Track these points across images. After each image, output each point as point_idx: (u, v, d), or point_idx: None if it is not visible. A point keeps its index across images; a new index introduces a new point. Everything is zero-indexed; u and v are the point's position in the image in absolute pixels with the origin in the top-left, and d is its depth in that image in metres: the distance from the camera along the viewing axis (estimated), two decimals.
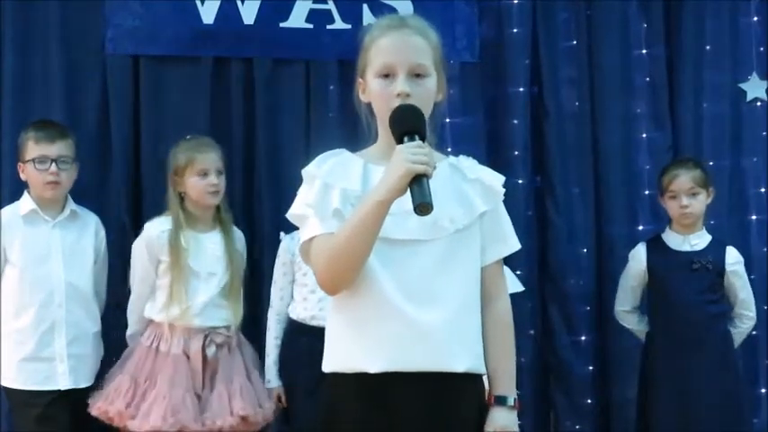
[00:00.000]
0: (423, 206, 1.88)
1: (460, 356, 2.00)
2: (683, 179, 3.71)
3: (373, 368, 1.97)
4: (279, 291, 3.49)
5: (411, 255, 2.00)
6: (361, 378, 1.98)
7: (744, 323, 3.75)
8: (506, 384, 2.08)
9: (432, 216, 1.95)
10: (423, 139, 1.96)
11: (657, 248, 3.78)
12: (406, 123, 1.98)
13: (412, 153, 1.90)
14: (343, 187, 2.02)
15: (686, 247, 3.73)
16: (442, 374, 1.99)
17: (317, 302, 3.37)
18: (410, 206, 1.91)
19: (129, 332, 3.47)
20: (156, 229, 3.41)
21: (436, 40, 2.11)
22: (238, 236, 3.55)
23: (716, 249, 3.73)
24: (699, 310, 3.65)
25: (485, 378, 2.10)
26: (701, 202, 3.73)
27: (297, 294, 3.46)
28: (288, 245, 3.49)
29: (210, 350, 3.34)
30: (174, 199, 3.43)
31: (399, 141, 1.97)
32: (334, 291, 2.02)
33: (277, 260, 3.50)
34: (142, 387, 3.30)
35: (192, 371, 3.31)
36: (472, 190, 2.08)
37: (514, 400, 2.08)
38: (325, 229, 1.99)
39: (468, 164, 2.13)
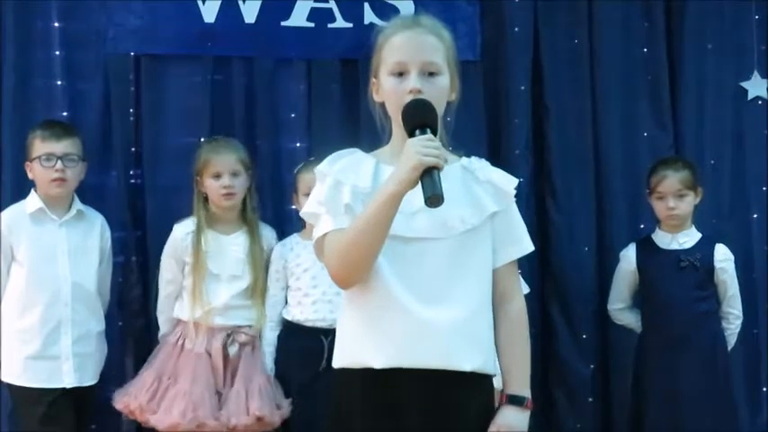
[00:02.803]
0: (434, 198, 1.89)
1: (468, 356, 2.01)
2: (671, 181, 3.70)
3: (378, 363, 1.98)
4: (271, 298, 3.48)
5: (420, 253, 2.01)
6: (367, 374, 1.99)
7: (731, 323, 3.73)
8: (519, 384, 2.08)
9: (442, 215, 1.97)
10: (434, 133, 1.97)
11: (647, 248, 3.78)
12: (418, 117, 1.99)
13: (423, 146, 1.91)
14: (353, 184, 2.03)
15: (674, 246, 3.73)
16: (448, 373, 1.99)
17: (311, 305, 3.40)
18: (420, 204, 1.93)
19: (160, 333, 3.52)
20: (181, 231, 3.44)
21: (449, 40, 2.12)
22: (267, 234, 3.55)
23: (705, 247, 3.72)
24: (687, 308, 3.64)
25: (496, 380, 2.10)
26: (688, 204, 3.72)
27: (291, 299, 3.46)
28: (280, 252, 3.49)
29: (233, 348, 3.37)
30: (198, 200, 3.46)
31: (411, 135, 1.97)
32: (347, 285, 2.04)
33: (270, 268, 3.50)
34: (165, 383, 3.33)
35: (213, 368, 3.34)
36: (483, 191, 2.09)
37: (527, 400, 2.08)
38: (336, 224, 2.00)
39: (479, 165, 2.13)
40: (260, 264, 3.45)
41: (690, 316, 3.64)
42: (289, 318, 3.45)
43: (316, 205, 2.05)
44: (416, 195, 1.92)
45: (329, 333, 3.31)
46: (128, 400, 3.33)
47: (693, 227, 3.77)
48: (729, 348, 3.73)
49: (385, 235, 1.95)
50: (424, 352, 1.98)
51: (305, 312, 3.41)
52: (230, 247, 3.44)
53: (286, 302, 3.48)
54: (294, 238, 3.53)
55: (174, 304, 3.46)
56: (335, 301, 3.34)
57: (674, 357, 3.62)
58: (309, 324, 3.39)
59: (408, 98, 2.02)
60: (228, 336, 3.37)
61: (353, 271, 1.99)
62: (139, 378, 3.39)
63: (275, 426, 3.37)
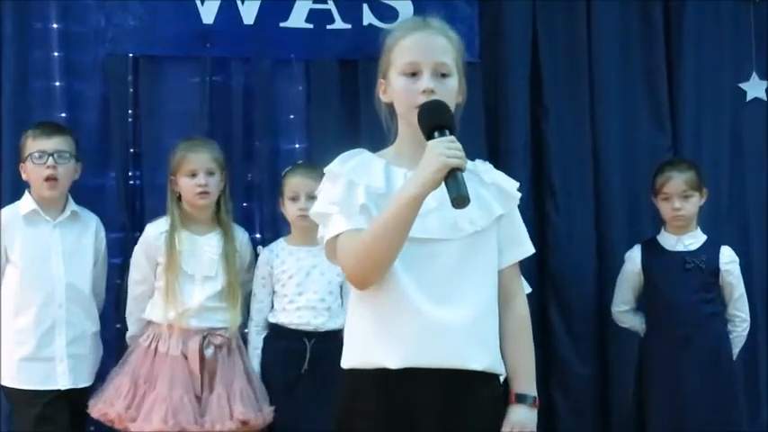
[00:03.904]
0: (460, 199, 1.89)
1: (479, 355, 2.02)
2: (676, 182, 3.70)
3: (393, 364, 1.98)
4: (258, 303, 3.47)
5: (430, 254, 2.02)
6: (380, 374, 2.00)
7: (737, 326, 3.74)
8: (526, 382, 2.11)
9: (452, 217, 1.99)
10: (453, 133, 1.97)
11: (652, 249, 3.78)
12: (436, 118, 1.99)
13: (446, 147, 1.92)
14: (367, 184, 2.03)
15: (680, 248, 3.73)
16: (459, 372, 2.00)
17: (296, 311, 3.40)
18: (432, 206, 1.96)
19: (128, 334, 3.47)
20: (154, 231, 3.41)
21: (458, 42, 2.13)
22: (240, 235, 3.53)
23: (710, 249, 3.72)
24: (692, 310, 3.65)
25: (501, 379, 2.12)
26: (693, 205, 3.72)
27: (277, 304, 3.45)
28: (266, 258, 3.48)
29: (208, 351, 3.33)
30: (171, 200, 3.43)
31: (429, 136, 1.97)
32: (364, 286, 2.03)
33: (256, 272, 3.49)
34: (142, 388, 3.29)
35: (190, 372, 3.30)
36: (489, 194, 2.10)
37: (534, 398, 2.11)
38: (351, 225, 2.00)
39: (484, 168, 2.15)
40: (233, 266, 3.42)
41: (694, 318, 3.65)
42: (274, 321, 3.45)
43: (327, 205, 2.05)
44: (429, 196, 1.93)
45: (312, 336, 3.36)
46: (104, 408, 3.27)
47: (699, 228, 3.78)
48: (736, 352, 3.74)
49: (405, 236, 1.95)
50: (437, 352, 1.99)
51: (289, 317, 3.41)
52: (204, 248, 3.41)
53: (272, 306, 3.47)
54: (280, 244, 3.52)
55: (145, 306, 3.41)
56: (318, 308, 3.39)
57: (678, 359, 3.62)
58: (293, 327, 3.39)
59: (422, 99, 2.02)
60: (204, 338, 3.33)
61: (372, 272, 1.99)
62: (112, 383, 3.32)
63: (258, 429, 3.34)
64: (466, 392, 2.01)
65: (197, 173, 3.39)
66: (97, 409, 3.29)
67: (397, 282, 1.99)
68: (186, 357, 3.31)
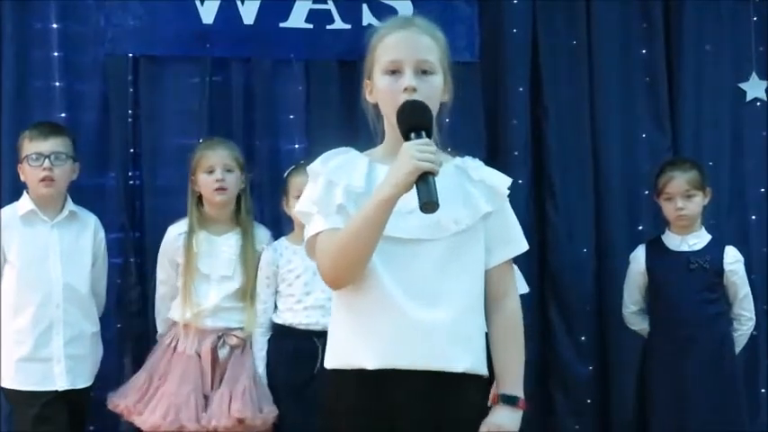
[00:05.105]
0: (429, 204, 1.87)
1: (460, 356, 2.00)
2: (679, 181, 3.69)
3: (371, 364, 1.98)
4: (262, 304, 3.46)
5: (413, 254, 2.00)
6: (361, 375, 1.99)
7: (743, 324, 3.73)
8: (512, 383, 2.07)
9: (435, 216, 1.95)
10: (429, 135, 1.96)
11: (656, 250, 3.77)
12: (414, 119, 1.97)
13: (419, 150, 1.90)
14: (346, 184, 2.02)
15: (684, 248, 3.72)
16: (441, 374, 1.98)
17: (303, 310, 3.39)
18: (413, 205, 1.92)
19: (158, 333, 3.53)
20: (174, 232, 3.45)
21: (443, 40, 2.11)
22: (261, 235, 3.54)
23: (714, 249, 3.71)
24: (696, 310, 3.64)
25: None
26: (696, 204, 3.71)
27: (282, 305, 3.44)
28: (270, 257, 3.47)
29: (223, 351, 3.36)
30: (191, 200, 3.46)
31: (406, 137, 1.95)
32: (338, 286, 2.03)
33: (260, 273, 3.47)
34: (155, 384, 3.33)
35: (201, 371, 3.33)
36: (476, 191, 2.07)
37: (520, 399, 2.07)
38: (329, 224, 1.99)
39: (473, 165, 2.12)
40: (252, 265, 3.43)
41: (699, 318, 3.64)
42: (280, 321, 3.44)
43: (308, 204, 2.05)
44: (411, 195, 1.91)
45: (321, 335, 3.31)
46: (117, 400, 3.34)
47: (703, 228, 3.77)
48: (739, 349, 3.74)
49: (378, 237, 1.94)
50: (418, 353, 1.97)
51: (297, 317, 3.40)
52: (222, 248, 3.44)
53: (275, 307, 3.47)
54: (283, 243, 3.51)
55: (170, 305, 3.46)
56: (327, 306, 3.31)
57: (681, 359, 3.62)
58: (302, 327, 3.38)
59: (403, 97, 2.00)
60: (219, 338, 3.36)
61: (345, 272, 1.99)
62: (133, 379, 3.39)
63: (258, 429, 3.34)
64: (449, 394, 1.99)
65: (214, 169, 3.41)
66: (112, 401, 3.35)
67: (377, 282, 1.98)
68: (200, 356, 3.34)
